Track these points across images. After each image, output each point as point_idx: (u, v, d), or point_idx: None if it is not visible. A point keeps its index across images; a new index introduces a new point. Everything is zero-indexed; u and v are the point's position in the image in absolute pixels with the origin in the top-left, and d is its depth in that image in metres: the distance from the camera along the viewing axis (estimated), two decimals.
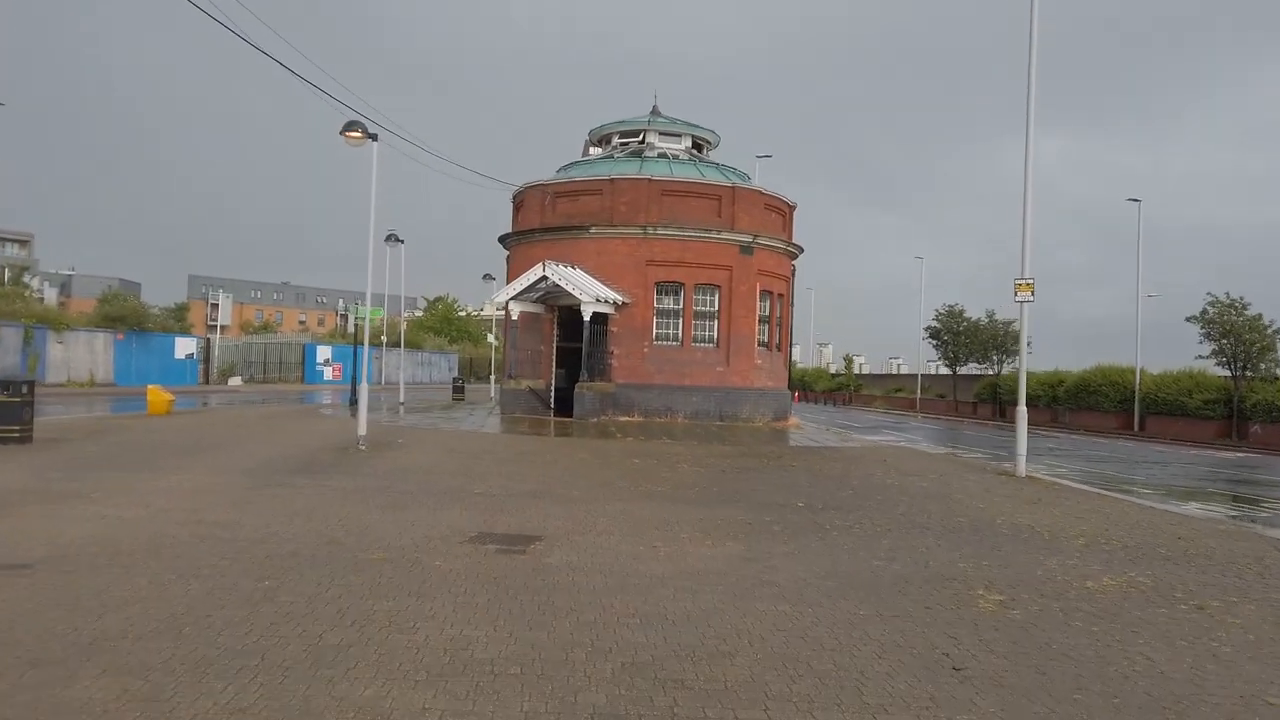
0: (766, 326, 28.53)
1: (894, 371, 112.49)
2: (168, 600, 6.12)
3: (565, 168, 29.52)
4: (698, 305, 26.89)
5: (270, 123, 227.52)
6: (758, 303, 27.58)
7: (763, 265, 27.60)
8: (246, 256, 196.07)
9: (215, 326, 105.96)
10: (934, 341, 63.56)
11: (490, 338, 56.10)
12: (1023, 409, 16.70)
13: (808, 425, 30.06)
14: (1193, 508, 14.91)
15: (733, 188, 26.97)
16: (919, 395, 66.90)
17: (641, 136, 29.50)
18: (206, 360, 52.01)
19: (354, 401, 30.07)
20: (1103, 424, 45.79)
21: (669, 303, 26.83)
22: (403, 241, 31.17)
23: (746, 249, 27.00)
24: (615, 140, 30.10)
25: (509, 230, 29.69)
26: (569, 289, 24.82)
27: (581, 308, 24.96)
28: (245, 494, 11.01)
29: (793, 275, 29.90)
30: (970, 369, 62.30)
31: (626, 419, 25.76)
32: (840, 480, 15.05)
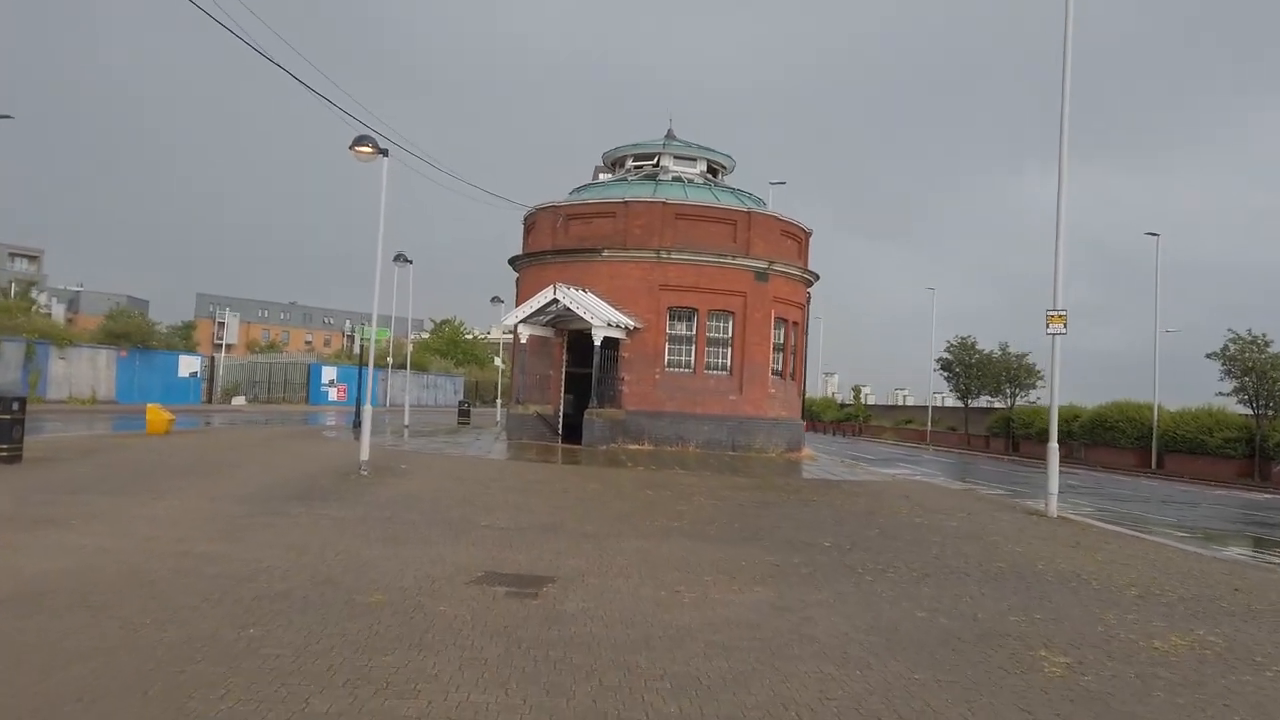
0: (781, 354, 27.87)
1: (899, 403, 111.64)
2: (137, 651, 5.42)
3: (578, 190, 29.05)
4: (711, 332, 26.26)
5: (280, 142, 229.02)
6: (772, 330, 26.94)
7: (778, 292, 26.99)
8: (254, 276, 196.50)
9: (222, 345, 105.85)
10: (945, 373, 62.80)
11: (497, 361, 55.53)
12: (1054, 445, 15.95)
13: (821, 457, 29.29)
14: (1235, 553, 14.12)
15: (748, 213, 26.44)
16: (929, 427, 66.03)
17: (656, 160, 29.04)
18: (210, 379, 51.44)
19: (358, 424, 29.47)
20: (1119, 460, 44.91)
21: (682, 329, 26.20)
22: (411, 262, 30.70)
23: (761, 275, 26.40)
24: (629, 163, 29.65)
25: (519, 252, 29.15)
26: (580, 312, 24.22)
27: (593, 332, 24.35)
28: (238, 523, 10.34)
29: (808, 303, 29.28)
30: (981, 402, 61.52)
31: (637, 447, 25.06)
32: (865, 517, 14.31)
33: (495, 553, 9.43)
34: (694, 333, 26.10)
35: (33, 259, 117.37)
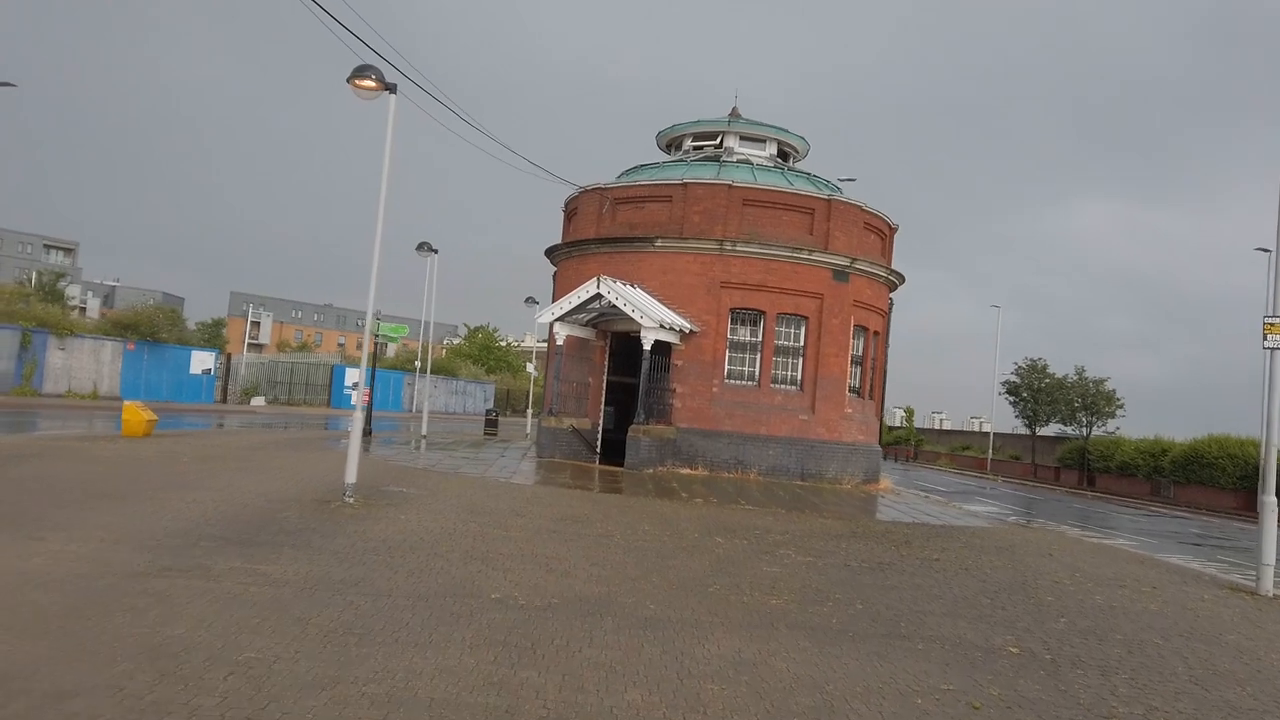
0: (859, 369, 23.85)
1: (935, 426, 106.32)
2: None
3: (628, 172, 25.31)
4: (780, 339, 22.33)
5: (320, 140, 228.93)
6: (851, 339, 22.95)
7: (859, 295, 23.01)
8: (291, 276, 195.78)
9: (244, 344, 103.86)
10: (1011, 398, 58.09)
11: (529, 368, 51.82)
12: (1271, 500, 11.79)
13: (898, 488, 25.16)
14: None
15: (828, 200, 22.51)
16: (990, 455, 61.25)
17: (719, 140, 25.24)
18: (226, 377, 48.42)
19: (369, 431, 25.93)
20: (1217, 501, 40.06)
21: (745, 334, 22.31)
22: (436, 251, 27.15)
23: (841, 275, 22.45)
24: (688, 144, 25.87)
25: (558, 242, 25.45)
26: (627, 310, 20.46)
27: (641, 334, 20.56)
28: (111, 590, 6.65)
29: (890, 309, 25.25)
30: (1050, 430, 56.67)
31: (689, 472, 21.18)
32: (1022, 593, 10.30)
33: (505, 670, 5.63)
34: (760, 339, 22.19)
35: (68, 251, 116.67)
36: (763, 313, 22.14)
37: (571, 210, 25.38)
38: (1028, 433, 59.73)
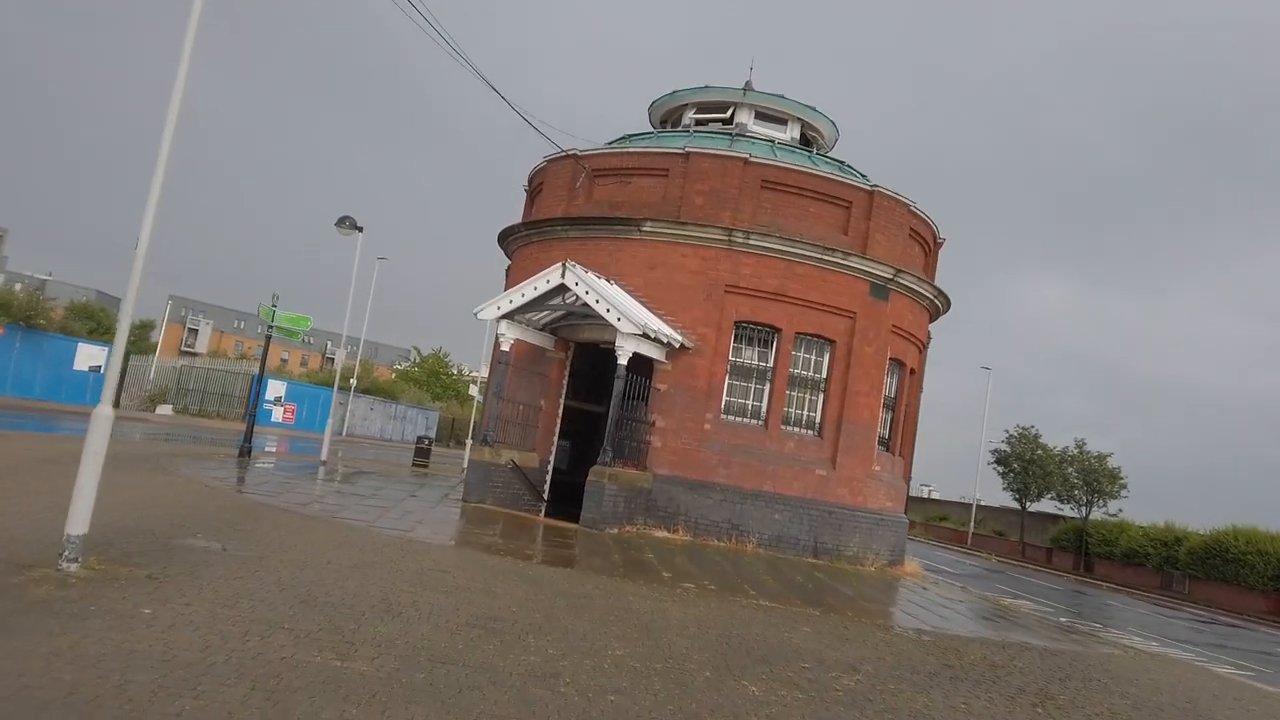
0: (891, 415, 18.54)
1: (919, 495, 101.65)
2: None
3: (613, 143, 19.89)
4: (797, 367, 16.96)
5: (280, 147, 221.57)
6: (885, 376, 17.65)
7: (899, 319, 17.79)
8: (239, 285, 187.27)
9: (190, 353, 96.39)
10: (1000, 468, 53.26)
11: (473, 391, 45.72)
12: None
13: (926, 574, 19.69)
14: None
15: (870, 193, 17.33)
16: (972, 529, 56.25)
17: (730, 114, 20.02)
18: (121, 378, 41.75)
19: (248, 450, 19.93)
20: (1243, 603, 35.15)
21: (752, 356, 16.90)
22: (361, 229, 21.48)
23: (880, 290, 17.22)
24: (688, 117, 20.61)
25: (516, 223, 19.86)
26: (599, 310, 14.97)
27: (616, 345, 15.07)
28: None
29: (927, 344, 20.03)
30: (1044, 505, 51.83)
31: (666, 535, 15.54)
32: None
33: None
34: (771, 364, 16.78)
35: None
36: (777, 330, 16.75)
37: (536, 187, 19.91)
38: (1014, 507, 54.94)
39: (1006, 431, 53.45)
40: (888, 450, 18.38)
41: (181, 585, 6.75)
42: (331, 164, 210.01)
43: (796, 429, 16.84)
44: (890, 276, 17.17)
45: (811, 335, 16.95)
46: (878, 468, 17.54)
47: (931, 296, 18.66)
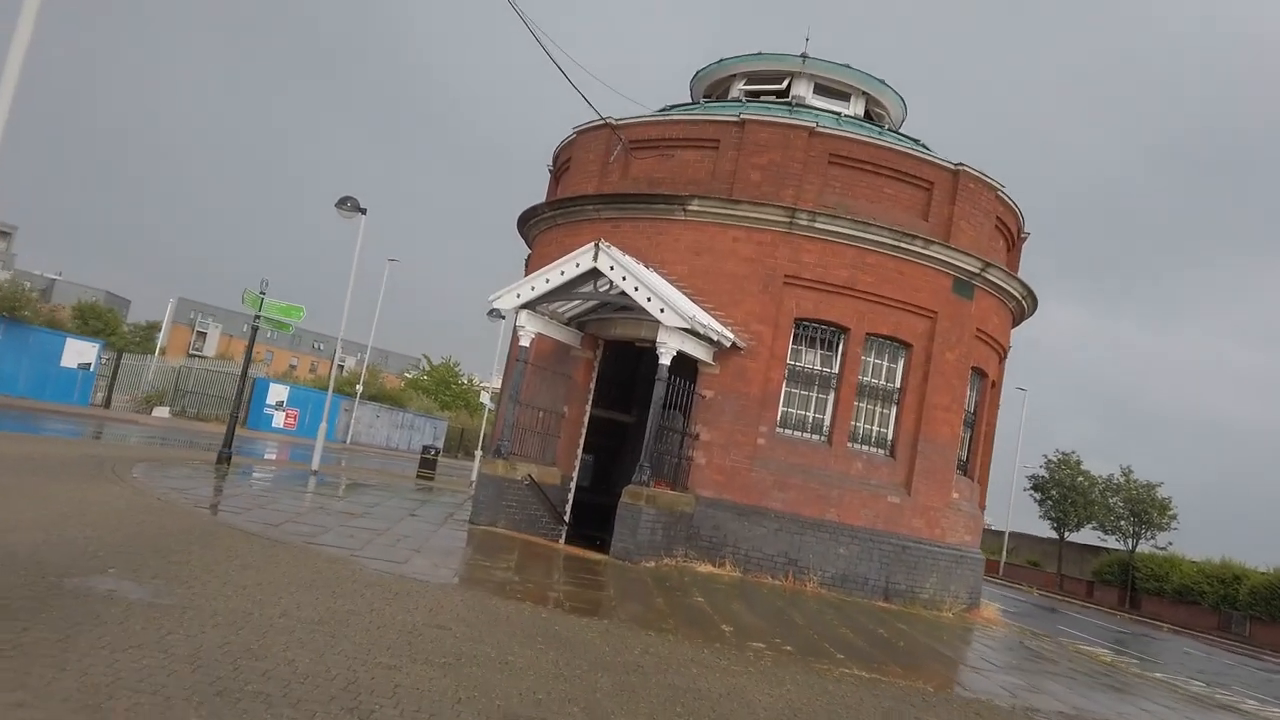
0: (970, 433, 15.96)
1: None
2: None
3: (656, 114, 17.42)
4: (867, 374, 14.42)
5: (308, 150, 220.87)
6: (967, 388, 15.09)
7: (984, 321, 15.26)
8: (251, 289, 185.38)
9: (199, 355, 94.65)
10: (1037, 495, 50.40)
11: (484, 398, 43.13)
12: None
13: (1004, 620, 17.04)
14: None
15: (955, 171, 14.83)
16: (1004, 559, 53.20)
17: (785, 85, 17.57)
18: (113, 376, 39.62)
19: (228, 457, 17.49)
20: None
21: (814, 360, 14.37)
22: (365, 211, 19.12)
23: (964, 286, 14.70)
24: (737, 88, 18.16)
25: (539, 203, 17.40)
26: (639, 298, 12.50)
27: (658, 340, 12.59)
28: None
29: (1008, 353, 17.44)
30: (1086, 536, 48.93)
31: (712, 570, 12.98)
32: None
33: None
34: (836, 369, 14.24)
35: (3, 234, 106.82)
36: (845, 330, 14.22)
37: (563, 164, 17.49)
38: (1051, 536, 52.01)
39: (1045, 457, 50.78)
40: (967, 476, 15.79)
41: (33, 660, 4.29)
42: (348, 173, 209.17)
43: (865, 447, 14.27)
44: (977, 271, 14.64)
45: (884, 337, 14.41)
46: (956, 495, 14.94)
47: (1020, 296, 16.08)
